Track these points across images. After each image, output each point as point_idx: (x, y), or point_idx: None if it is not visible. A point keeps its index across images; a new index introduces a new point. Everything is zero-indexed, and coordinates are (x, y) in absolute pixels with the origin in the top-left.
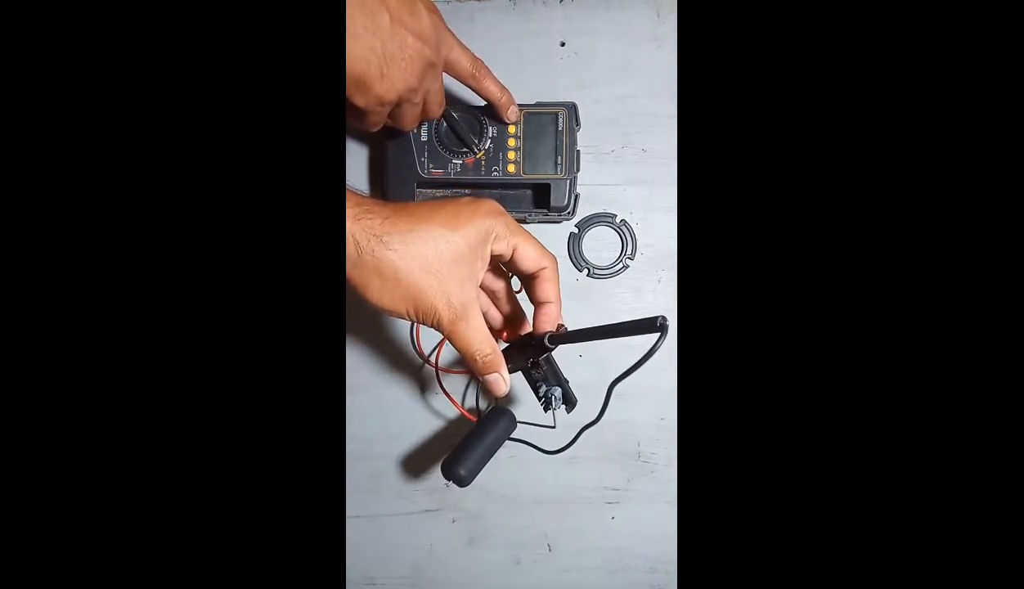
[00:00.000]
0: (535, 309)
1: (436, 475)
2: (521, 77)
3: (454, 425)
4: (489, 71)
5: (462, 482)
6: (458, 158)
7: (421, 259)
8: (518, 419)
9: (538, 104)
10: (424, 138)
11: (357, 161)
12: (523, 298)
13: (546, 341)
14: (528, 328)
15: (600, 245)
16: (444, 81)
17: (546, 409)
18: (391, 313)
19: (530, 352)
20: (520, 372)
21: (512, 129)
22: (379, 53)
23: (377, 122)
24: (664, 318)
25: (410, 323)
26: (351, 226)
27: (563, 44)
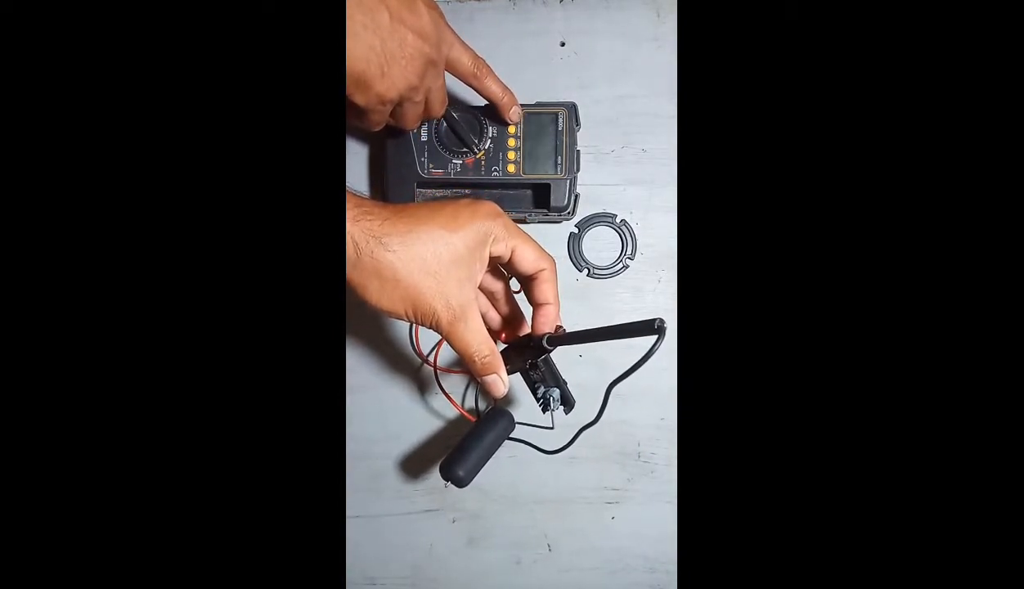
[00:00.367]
0: (534, 310)
1: (436, 475)
2: (521, 77)
3: (453, 425)
4: (491, 70)
5: (460, 483)
6: (458, 158)
7: (420, 261)
8: (517, 420)
9: (538, 104)
10: (424, 138)
11: (357, 161)
12: (522, 299)
13: (544, 343)
14: (527, 329)
15: (600, 245)
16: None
17: (544, 410)
18: (390, 314)
19: (529, 353)
20: (519, 373)
21: (512, 129)
22: (379, 51)
23: (379, 121)
24: (662, 320)
25: (409, 324)
26: (350, 227)
27: (563, 44)
